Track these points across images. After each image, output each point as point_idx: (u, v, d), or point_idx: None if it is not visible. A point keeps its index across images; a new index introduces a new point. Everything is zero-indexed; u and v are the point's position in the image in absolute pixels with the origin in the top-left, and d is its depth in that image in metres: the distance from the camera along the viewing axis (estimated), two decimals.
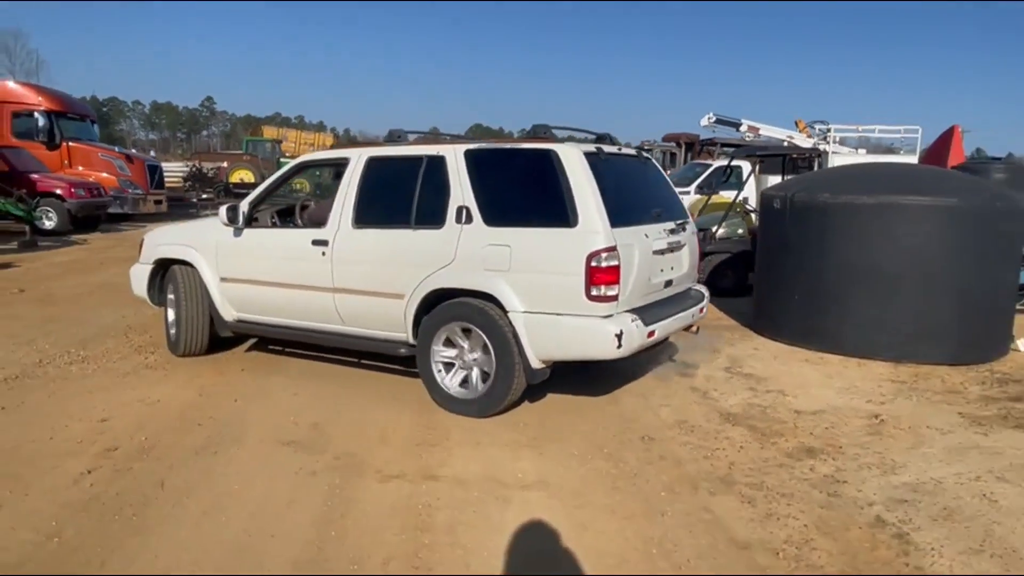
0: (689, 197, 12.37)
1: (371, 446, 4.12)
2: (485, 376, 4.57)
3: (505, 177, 4.65)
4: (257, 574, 2.86)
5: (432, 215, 4.63)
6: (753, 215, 9.05)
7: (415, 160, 4.83)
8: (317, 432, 4.31)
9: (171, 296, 5.66)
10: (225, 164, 29.07)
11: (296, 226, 5.62)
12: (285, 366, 5.65)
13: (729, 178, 11.55)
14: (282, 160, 32.39)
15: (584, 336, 4.26)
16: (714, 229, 8.78)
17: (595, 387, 5.17)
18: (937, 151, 13.69)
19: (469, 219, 4.51)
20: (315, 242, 5.00)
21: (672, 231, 4.97)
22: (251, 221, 5.44)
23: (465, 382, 4.67)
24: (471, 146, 4.71)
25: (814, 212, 6.27)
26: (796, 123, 17.65)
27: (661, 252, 4.76)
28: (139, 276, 5.95)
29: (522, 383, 4.50)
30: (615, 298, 4.26)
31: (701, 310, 5.28)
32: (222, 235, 5.43)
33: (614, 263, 4.21)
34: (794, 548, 3.11)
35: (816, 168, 12.45)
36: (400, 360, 5.15)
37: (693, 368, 5.80)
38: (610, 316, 4.26)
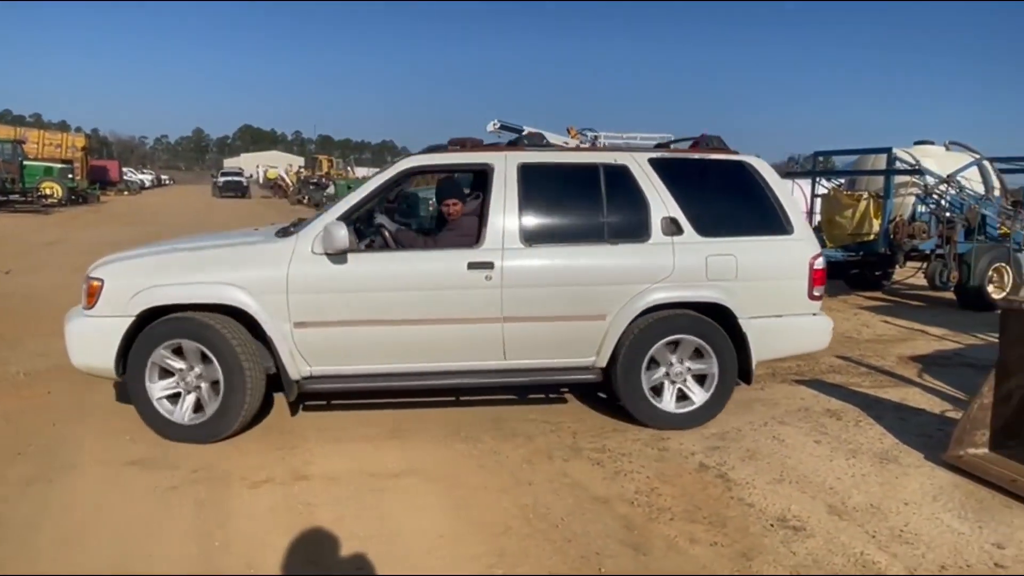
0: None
1: (227, 455, 3.99)
2: (700, 379, 4.60)
3: (705, 187, 4.74)
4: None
5: (631, 228, 4.50)
6: None
7: (589, 168, 4.58)
8: (162, 448, 4.06)
9: (179, 364, 4.14)
10: None
11: (393, 246, 4.66)
12: (97, 384, 5.03)
13: None
14: (26, 163, 27.56)
15: (809, 333, 4.77)
16: None
17: None
18: None
19: (679, 231, 4.49)
20: (473, 265, 4.30)
21: None
22: None
23: (681, 397, 4.60)
24: (654, 155, 4.69)
25: None
26: (568, 130, 19.13)
27: None
28: (99, 336, 4.10)
29: None
30: (822, 297, 4.73)
31: None
32: (299, 265, 4.17)
33: (823, 266, 4.67)
34: (644, 496, 3.61)
35: None
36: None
37: None
38: (818, 313, 4.75)
